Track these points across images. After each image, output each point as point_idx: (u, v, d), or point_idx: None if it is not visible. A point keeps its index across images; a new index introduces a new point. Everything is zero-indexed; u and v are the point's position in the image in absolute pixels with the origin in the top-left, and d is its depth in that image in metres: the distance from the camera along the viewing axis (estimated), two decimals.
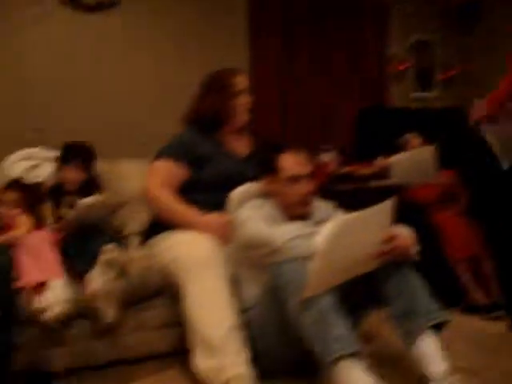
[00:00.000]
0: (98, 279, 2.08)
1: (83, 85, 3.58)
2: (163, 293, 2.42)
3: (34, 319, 2.08)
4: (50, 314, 2.02)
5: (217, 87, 2.62)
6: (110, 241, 2.23)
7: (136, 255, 2.41)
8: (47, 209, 2.53)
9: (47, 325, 2.11)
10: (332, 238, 1.83)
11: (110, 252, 2.07)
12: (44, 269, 2.13)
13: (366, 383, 1.76)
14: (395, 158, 3.53)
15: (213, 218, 2.38)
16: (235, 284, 2.25)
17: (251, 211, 2.24)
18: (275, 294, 1.98)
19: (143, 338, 2.43)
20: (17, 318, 2.10)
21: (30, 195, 2.54)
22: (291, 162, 2.26)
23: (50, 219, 2.48)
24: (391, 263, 2.05)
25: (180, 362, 2.36)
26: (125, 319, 2.34)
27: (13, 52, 3.42)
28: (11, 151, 2.87)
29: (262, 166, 2.37)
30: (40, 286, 2.09)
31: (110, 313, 2.10)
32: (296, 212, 2.25)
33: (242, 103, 2.62)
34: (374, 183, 3.54)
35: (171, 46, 3.84)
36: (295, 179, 2.24)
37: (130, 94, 3.70)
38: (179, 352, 2.38)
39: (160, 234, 2.46)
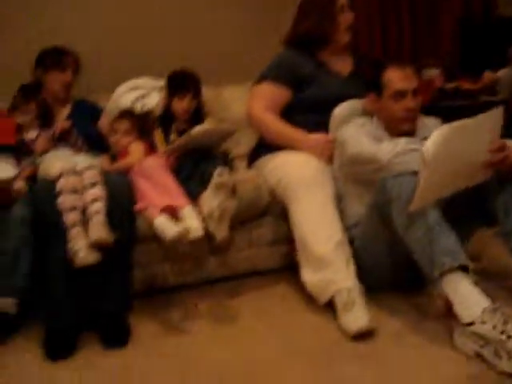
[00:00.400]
0: (210, 201, 2.17)
1: (183, 10, 3.59)
2: (271, 211, 2.50)
3: (171, 247, 2.23)
4: (189, 240, 2.15)
5: (317, 5, 2.58)
6: (221, 164, 2.31)
7: (244, 177, 2.48)
8: (158, 136, 2.64)
9: (184, 251, 2.26)
10: (440, 145, 1.78)
11: (221, 175, 2.14)
12: (166, 193, 2.24)
13: (474, 296, 1.76)
14: (504, 72, 3.36)
15: (317, 137, 2.42)
16: (340, 202, 2.30)
17: (355, 129, 2.25)
18: (382, 210, 2.00)
19: (252, 255, 2.54)
20: (135, 239, 2.26)
21: (141, 123, 2.66)
22: (397, 77, 2.22)
23: (161, 146, 2.60)
24: (499, 177, 2.00)
25: (287, 277, 2.47)
26: (235, 237, 2.46)
27: None
28: (118, 83, 2.99)
29: (366, 82, 2.34)
30: (167, 210, 2.20)
31: (222, 232, 2.20)
32: (401, 128, 2.23)
33: (344, 21, 2.57)
34: (482, 98, 3.41)
35: None
36: (401, 94, 2.21)
37: (228, 19, 3.68)
38: (287, 268, 2.50)
39: (266, 156, 2.55)
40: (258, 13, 3.73)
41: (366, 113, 2.34)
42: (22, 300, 2.05)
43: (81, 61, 2.74)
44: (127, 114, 2.70)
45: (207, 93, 2.88)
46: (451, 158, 1.83)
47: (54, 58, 2.66)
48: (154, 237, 2.20)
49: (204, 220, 2.18)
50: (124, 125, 2.60)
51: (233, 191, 2.22)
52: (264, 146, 2.57)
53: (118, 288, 2.15)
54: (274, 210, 2.49)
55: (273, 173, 2.43)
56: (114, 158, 2.56)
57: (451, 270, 1.79)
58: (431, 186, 1.84)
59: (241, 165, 2.80)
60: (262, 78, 2.58)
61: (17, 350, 2.04)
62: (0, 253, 2.04)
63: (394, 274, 2.18)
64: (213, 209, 2.14)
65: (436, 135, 1.78)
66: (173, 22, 3.54)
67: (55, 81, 2.66)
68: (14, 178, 2.15)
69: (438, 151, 1.78)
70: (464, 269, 1.80)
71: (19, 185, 2.17)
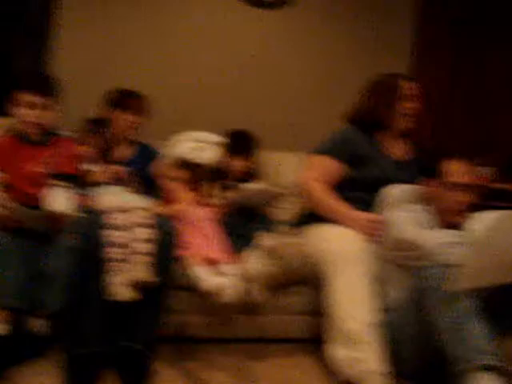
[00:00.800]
0: (252, 261, 2.21)
1: (250, 76, 3.75)
2: (307, 281, 2.51)
3: (205, 298, 2.25)
4: (225, 298, 2.18)
5: (380, 89, 2.67)
6: (267, 226, 2.35)
7: (287, 242, 2.50)
8: (209, 189, 2.71)
9: (220, 306, 2.26)
10: (491, 229, 1.79)
11: (267, 238, 2.18)
12: (211, 245, 2.30)
13: None
14: None
15: (364, 215, 2.45)
16: (379, 283, 2.31)
17: (404, 213, 2.28)
18: (417, 297, 2.01)
19: (282, 321, 2.54)
20: (172, 284, 2.30)
21: (194, 174, 2.74)
22: (458, 170, 2.26)
23: (210, 199, 2.66)
24: None
25: (313, 349, 2.46)
26: (268, 301, 2.45)
27: (186, 43, 3.66)
28: (179, 131, 3.09)
29: (423, 168, 2.39)
30: (208, 262, 2.26)
31: (259, 294, 2.23)
32: (450, 220, 2.25)
33: (402, 109, 2.64)
34: None
35: (337, 47, 3.90)
36: (458, 187, 2.25)
37: (291, 89, 3.81)
38: (314, 339, 2.48)
39: (311, 225, 2.58)
40: (320, 86, 3.85)
41: (417, 199, 2.37)
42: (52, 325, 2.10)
43: (150, 106, 2.86)
44: (182, 162, 2.77)
45: (262, 155, 2.96)
46: (498, 246, 1.83)
47: (125, 99, 2.78)
48: (190, 286, 2.24)
49: (243, 279, 2.21)
50: (178, 173, 2.68)
51: (275, 255, 2.25)
52: (310, 215, 2.61)
53: (147, 329, 2.17)
54: (310, 280, 2.50)
55: (315, 243, 2.46)
56: (163, 203, 2.62)
57: (482, 368, 1.76)
58: (473, 268, 1.84)
59: (283, 230, 2.84)
60: (320, 151, 2.63)
61: (39, 374, 2.06)
62: (43, 273, 2.11)
63: (419, 364, 2.14)
64: (255, 270, 2.18)
65: (490, 218, 1.79)
66: (237, 86, 3.70)
67: (122, 120, 2.77)
68: (67, 212, 2.23)
69: (488, 234, 1.79)
70: (492, 369, 1.77)
71: (72, 214, 2.25)
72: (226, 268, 2.24)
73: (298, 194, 2.72)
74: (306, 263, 2.46)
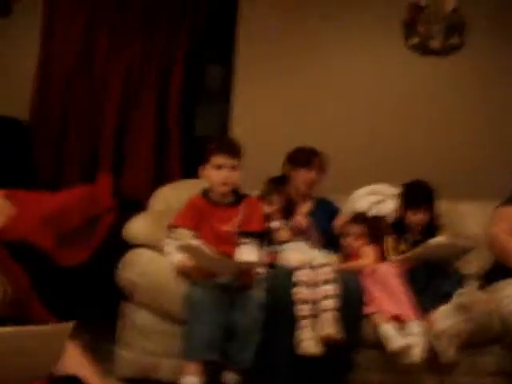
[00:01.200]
0: (445, 319, 2.15)
1: (422, 125, 3.70)
2: (500, 340, 2.38)
3: (392, 357, 2.23)
4: (412, 358, 2.15)
5: None
6: (454, 282, 2.27)
7: (477, 299, 2.39)
8: (390, 243, 2.69)
9: (407, 365, 2.23)
10: None
11: (462, 296, 2.12)
12: (397, 302, 2.27)
13: None
14: None
15: None
16: None
17: None
18: None
19: (472, 382, 2.39)
20: (359, 340, 2.29)
21: (373, 228, 2.73)
22: None
23: (391, 253, 2.64)
24: None
25: None
26: (458, 360, 2.33)
27: (356, 96, 3.72)
28: (358, 186, 3.12)
29: None
30: (395, 319, 2.23)
31: (449, 353, 2.16)
32: None
33: None
34: None
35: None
36: None
37: (469, 136, 3.70)
38: None
39: (503, 280, 2.46)
40: (499, 132, 3.70)
41: None
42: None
43: (327, 162, 2.92)
44: (360, 218, 2.77)
45: (442, 205, 2.87)
46: None
47: (303, 157, 2.87)
48: (376, 343, 2.22)
49: (432, 337, 2.15)
50: (356, 228, 2.68)
51: (468, 313, 2.17)
52: (501, 269, 2.48)
53: None
54: (504, 339, 2.36)
55: (509, 299, 2.33)
56: (345, 258, 2.64)
57: None
58: None
59: (472, 285, 2.71)
60: (506, 201, 2.52)
61: None
62: (234, 327, 2.20)
63: None
64: (446, 328, 2.11)
65: None
66: (410, 136, 3.67)
67: (300, 177, 2.86)
68: (257, 263, 2.33)
69: None
70: None
71: (260, 269, 2.34)
72: (414, 326, 2.20)
73: (485, 246, 2.60)
74: (499, 321, 2.34)
